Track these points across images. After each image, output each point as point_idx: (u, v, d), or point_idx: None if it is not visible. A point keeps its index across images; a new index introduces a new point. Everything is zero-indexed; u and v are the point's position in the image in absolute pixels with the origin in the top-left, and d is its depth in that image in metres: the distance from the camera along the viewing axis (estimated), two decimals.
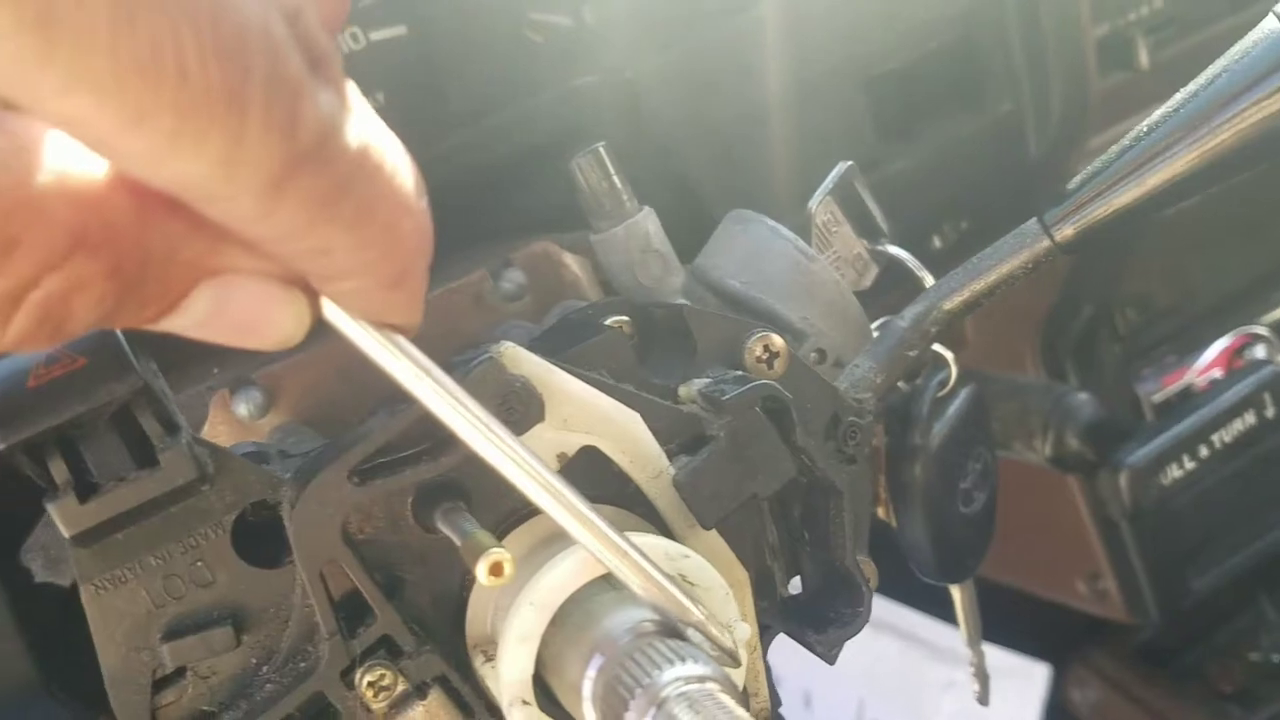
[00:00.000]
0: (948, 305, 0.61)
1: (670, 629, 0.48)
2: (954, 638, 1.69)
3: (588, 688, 0.48)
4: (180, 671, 0.52)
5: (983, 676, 0.91)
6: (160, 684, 0.52)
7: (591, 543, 0.48)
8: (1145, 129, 0.58)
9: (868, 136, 0.92)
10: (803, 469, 0.57)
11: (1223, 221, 1.34)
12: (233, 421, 0.71)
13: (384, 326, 0.43)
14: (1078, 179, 0.60)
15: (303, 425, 0.73)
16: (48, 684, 0.81)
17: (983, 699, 0.92)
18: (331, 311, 0.42)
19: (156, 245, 0.36)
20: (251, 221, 0.35)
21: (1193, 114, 0.57)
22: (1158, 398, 1.33)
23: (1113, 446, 1.01)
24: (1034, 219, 0.60)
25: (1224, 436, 0.99)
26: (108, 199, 0.35)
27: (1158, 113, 0.59)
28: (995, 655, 1.59)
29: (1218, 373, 1.30)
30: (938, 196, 0.95)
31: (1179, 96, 0.58)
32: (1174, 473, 0.97)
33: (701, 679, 0.44)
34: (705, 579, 0.52)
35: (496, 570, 0.48)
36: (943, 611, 1.67)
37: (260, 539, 0.53)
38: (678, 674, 0.44)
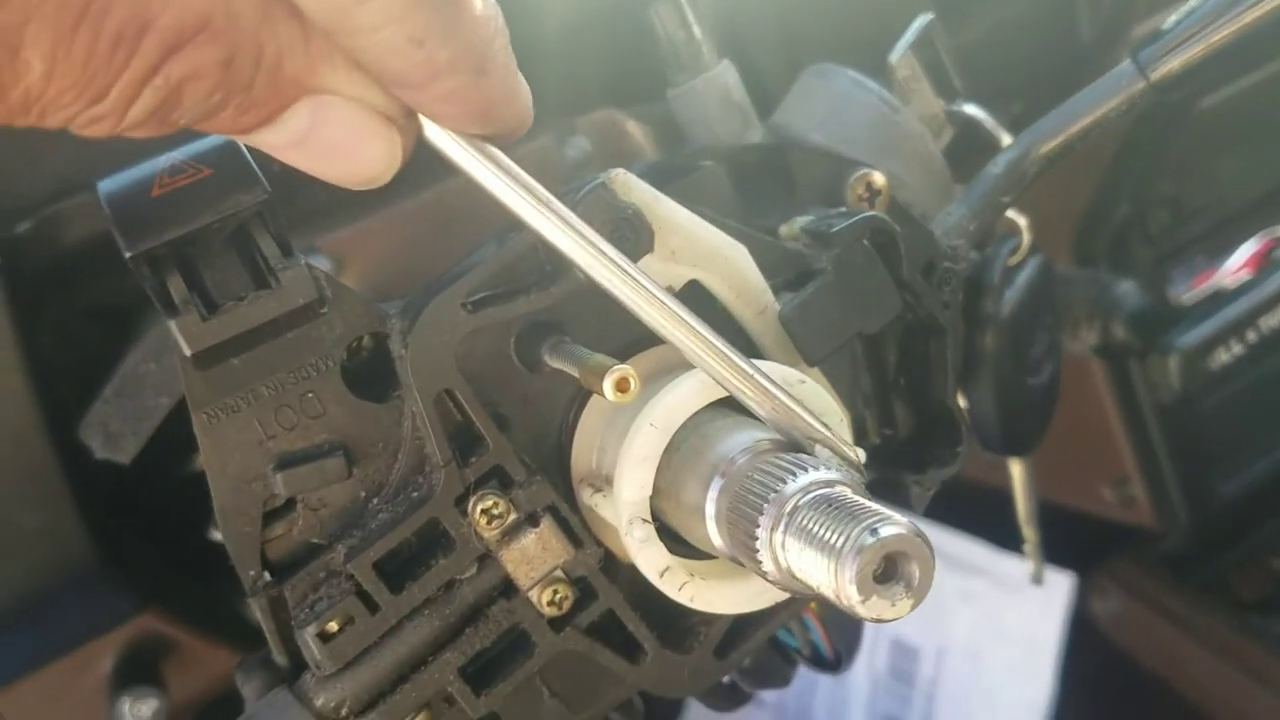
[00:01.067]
0: (1044, 149, 0.60)
1: (788, 447, 0.48)
2: (972, 549, 1.70)
3: (711, 508, 0.48)
4: (290, 504, 0.51)
5: (1037, 555, 0.92)
6: (269, 517, 0.51)
7: (711, 364, 0.48)
8: None
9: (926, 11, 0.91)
10: (906, 306, 0.57)
11: (1253, 124, 1.33)
12: None
13: (486, 139, 0.44)
14: (1173, 18, 0.59)
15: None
16: (105, 568, 0.81)
17: (1037, 577, 0.92)
18: (434, 133, 0.43)
19: (269, 47, 0.37)
20: (360, 2, 0.36)
21: None
22: (1187, 298, 1.33)
23: (1158, 335, 1.02)
24: (1128, 60, 0.60)
25: (1270, 321, 0.99)
26: None
27: None
28: (1017, 565, 1.60)
29: (1247, 274, 1.30)
30: (991, 77, 0.94)
31: None
32: (1222, 357, 0.98)
33: (831, 483, 0.44)
34: (821, 405, 0.51)
35: (623, 385, 0.47)
36: (961, 523, 1.68)
37: (362, 379, 0.52)
38: (810, 480, 0.44)
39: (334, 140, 0.41)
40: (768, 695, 1.75)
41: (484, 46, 0.40)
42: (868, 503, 0.43)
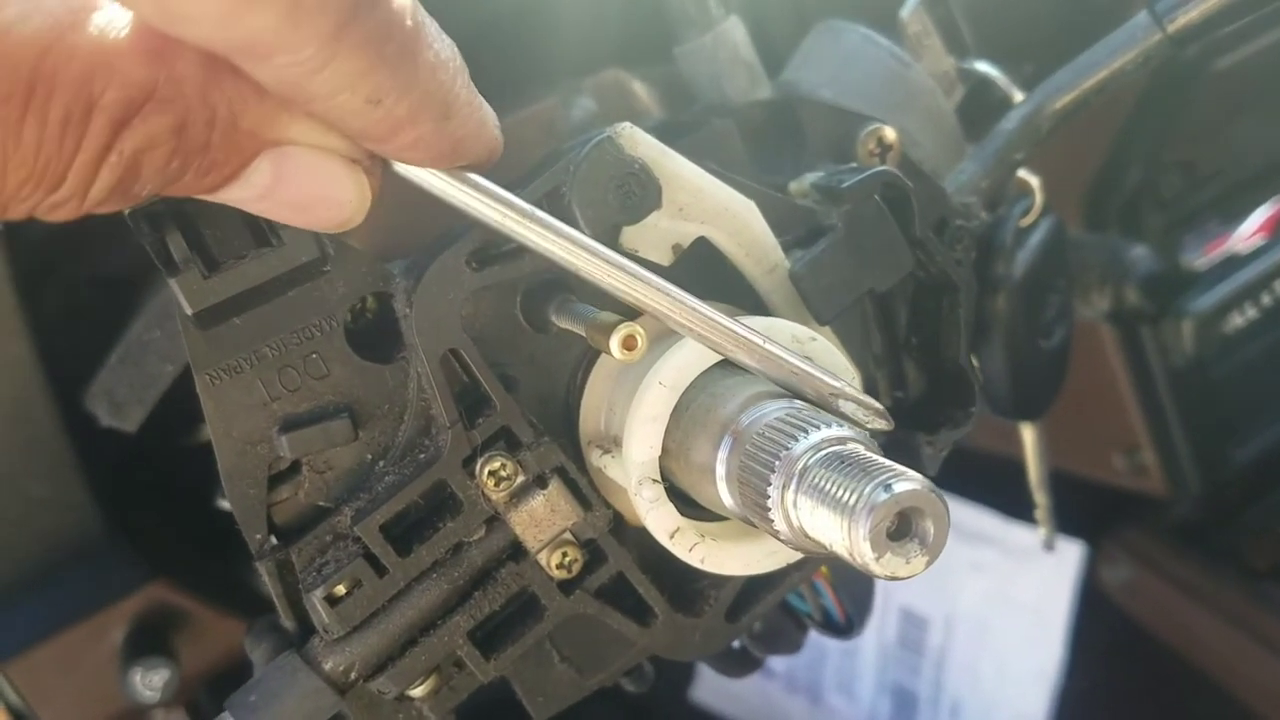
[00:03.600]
0: (1058, 104, 0.59)
1: (799, 404, 0.48)
2: (981, 519, 1.70)
3: (721, 468, 0.47)
4: (296, 467, 0.51)
5: (1049, 521, 0.91)
6: (275, 480, 0.51)
7: (707, 332, 0.48)
8: None
9: None
10: (918, 264, 0.56)
11: (1269, 86, 1.32)
12: None
13: (458, 170, 0.44)
14: None
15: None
16: (113, 537, 0.81)
17: (1049, 543, 0.92)
18: (403, 168, 0.43)
19: (220, 107, 0.37)
20: (313, 72, 0.35)
21: None
22: (1200, 265, 1.31)
23: (1171, 299, 1.00)
24: (1144, 11, 0.59)
25: None
26: (176, 55, 0.36)
27: None
28: (1026, 534, 1.59)
29: (1261, 239, 1.29)
30: (1002, 37, 0.93)
31: None
32: (1236, 321, 0.96)
33: (843, 440, 0.43)
34: (832, 362, 0.51)
35: (630, 343, 0.47)
36: (970, 494, 1.68)
37: (367, 340, 0.52)
38: (821, 437, 0.44)
39: (300, 190, 0.40)
40: (778, 665, 1.75)
41: (445, 92, 0.39)
42: (880, 459, 0.42)
